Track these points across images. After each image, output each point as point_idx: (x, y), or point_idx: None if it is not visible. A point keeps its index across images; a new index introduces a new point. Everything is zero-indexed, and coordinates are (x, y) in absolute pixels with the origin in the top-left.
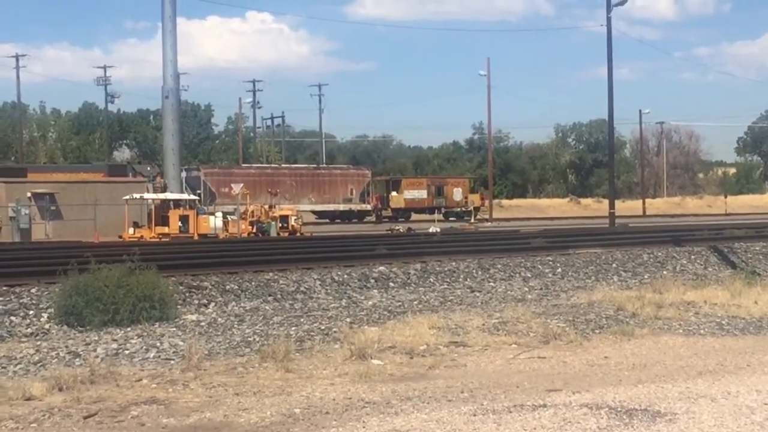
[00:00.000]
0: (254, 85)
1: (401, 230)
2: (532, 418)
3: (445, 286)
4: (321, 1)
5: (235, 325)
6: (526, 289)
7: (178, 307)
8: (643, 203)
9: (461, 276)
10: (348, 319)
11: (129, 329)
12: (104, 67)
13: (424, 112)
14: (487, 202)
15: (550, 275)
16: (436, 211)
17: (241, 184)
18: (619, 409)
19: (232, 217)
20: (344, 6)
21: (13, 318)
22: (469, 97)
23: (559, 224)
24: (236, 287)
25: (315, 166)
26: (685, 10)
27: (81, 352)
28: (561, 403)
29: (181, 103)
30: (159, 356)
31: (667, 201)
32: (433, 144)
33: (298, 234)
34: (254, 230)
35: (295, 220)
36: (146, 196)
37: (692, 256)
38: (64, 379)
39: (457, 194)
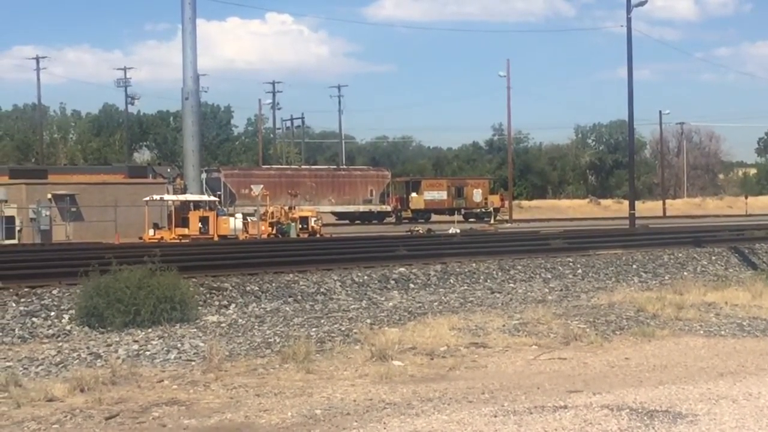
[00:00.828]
0: (274, 87)
1: (421, 231)
2: (553, 420)
3: (466, 287)
4: (341, 3)
5: (256, 326)
6: (547, 290)
7: (199, 308)
8: (663, 204)
9: (481, 277)
10: (368, 320)
11: (150, 330)
12: (124, 69)
13: (444, 113)
14: (506, 203)
15: (570, 276)
16: (456, 212)
17: (261, 186)
18: (639, 410)
19: (252, 218)
20: (364, 7)
21: (34, 319)
22: (489, 98)
23: (579, 225)
24: (257, 288)
25: (335, 167)
26: (705, 10)
27: (102, 353)
28: (582, 404)
29: (201, 105)
30: (180, 357)
31: (687, 202)
32: (453, 145)
33: (318, 235)
34: (274, 231)
35: (314, 221)
36: (166, 197)
37: (713, 257)
38: (85, 380)
39: (477, 195)
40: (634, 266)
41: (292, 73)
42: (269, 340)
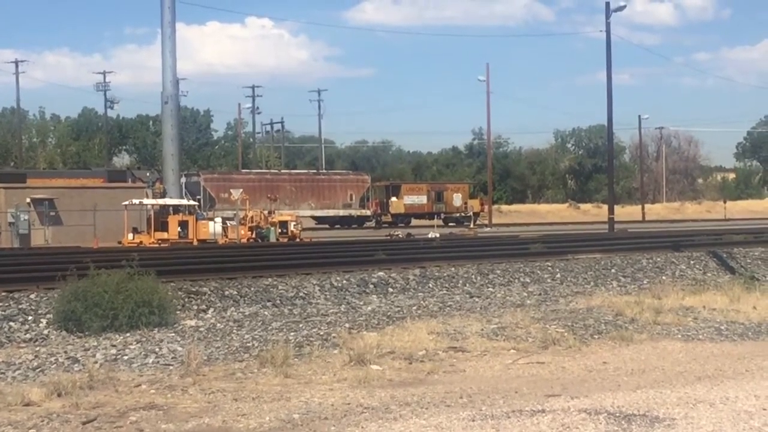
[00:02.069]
0: (254, 91)
1: (400, 236)
2: (531, 424)
3: (444, 292)
4: (321, 7)
5: (234, 331)
6: (525, 294)
7: (177, 312)
8: (643, 208)
9: (460, 281)
10: (347, 325)
11: (128, 335)
12: (104, 73)
13: (424, 117)
14: (486, 208)
15: (549, 280)
16: (435, 216)
17: (241, 190)
18: (617, 414)
19: (231, 222)
20: (344, 11)
21: (12, 323)
22: (469, 103)
23: (559, 229)
24: (235, 293)
25: (314, 171)
26: (684, 15)
27: (80, 358)
28: (559, 408)
29: (181, 109)
30: (158, 362)
31: (666, 206)
32: (433, 149)
33: (298, 239)
34: (253, 236)
35: (294, 225)
36: (145, 201)
37: (691, 262)
38: (62, 385)
39: (457, 200)
40: (613, 270)
41: (272, 77)
42: (247, 344)
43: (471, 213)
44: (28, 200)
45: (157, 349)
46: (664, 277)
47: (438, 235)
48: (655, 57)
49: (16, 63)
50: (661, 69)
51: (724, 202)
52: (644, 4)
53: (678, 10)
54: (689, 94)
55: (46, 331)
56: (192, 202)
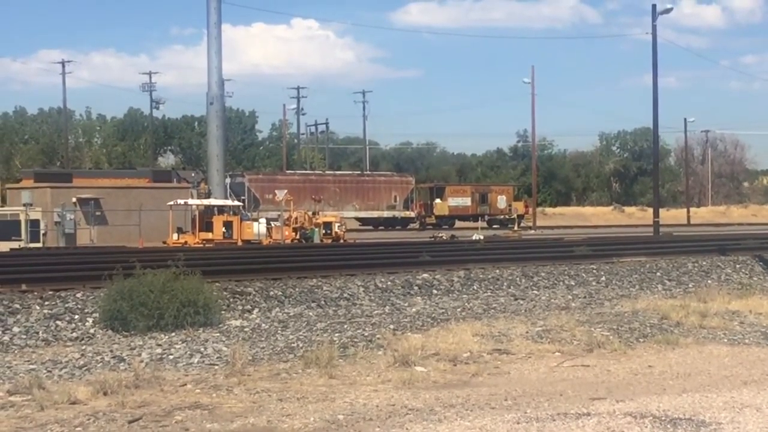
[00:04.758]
0: (298, 92)
1: (445, 237)
2: (576, 427)
3: (489, 294)
4: (367, 8)
5: (279, 331)
6: (570, 297)
7: (222, 312)
8: (688, 212)
9: (505, 283)
10: (391, 326)
11: (173, 334)
12: (150, 73)
13: (469, 119)
14: (530, 210)
15: (593, 283)
16: (479, 218)
17: (285, 191)
18: (663, 418)
19: (275, 223)
20: (390, 13)
21: (58, 322)
22: (514, 105)
23: (603, 232)
24: (280, 293)
25: (359, 172)
26: (732, 18)
27: (126, 357)
28: (605, 411)
29: (226, 110)
30: (203, 361)
31: (711, 210)
32: (477, 151)
33: (342, 240)
34: (298, 236)
35: (338, 226)
36: (190, 201)
37: (737, 265)
38: (108, 384)
39: (501, 202)
40: (658, 274)
41: (317, 78)
42: (292, 344)
43: (515, 215)
44: (74, 200)
45: (202, 349)
46: (709, 281)
47: (482, 237)
48: (701, 60)
49: (63, 63)
50: (707, 72)
51: None
52: (692, 6)
53: (725, 12)
54: (736, 97)
55: (92, 330)
56: (236, 203)
